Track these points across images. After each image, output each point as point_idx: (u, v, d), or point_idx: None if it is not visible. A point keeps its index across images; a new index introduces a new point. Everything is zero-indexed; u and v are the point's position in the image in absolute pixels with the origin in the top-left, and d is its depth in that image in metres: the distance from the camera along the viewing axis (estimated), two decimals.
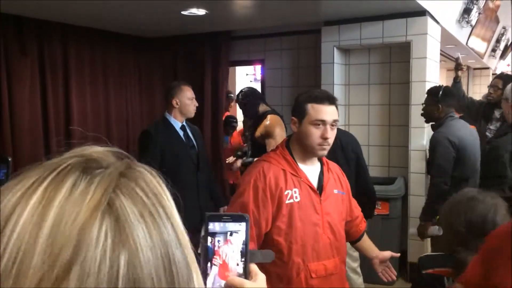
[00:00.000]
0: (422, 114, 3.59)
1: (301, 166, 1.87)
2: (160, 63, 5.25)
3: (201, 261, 0.86)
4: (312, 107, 1.82)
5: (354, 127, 4.46)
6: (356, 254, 3.22)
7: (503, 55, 9.55)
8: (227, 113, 5.67)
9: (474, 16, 5.43)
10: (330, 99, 1.84)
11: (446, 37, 5.03)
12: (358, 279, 3.19)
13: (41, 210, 0.35)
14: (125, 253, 0.36)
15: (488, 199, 1.65)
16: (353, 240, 2.13)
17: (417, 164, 4.07)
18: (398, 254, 2.10)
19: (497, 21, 7.23)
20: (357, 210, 2.11)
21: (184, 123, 3.34)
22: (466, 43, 6.04)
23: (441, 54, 5.21)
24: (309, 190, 1.84)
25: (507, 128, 2.84)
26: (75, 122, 4.35)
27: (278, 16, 4.18)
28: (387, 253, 2.03)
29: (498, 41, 8.21)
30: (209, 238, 0.88)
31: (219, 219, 0.89)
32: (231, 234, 0.88)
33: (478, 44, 6.94)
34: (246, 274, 0.89)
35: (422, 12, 3.95)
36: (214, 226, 0.89)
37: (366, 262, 3.49)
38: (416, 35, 3.98)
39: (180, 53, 5.19)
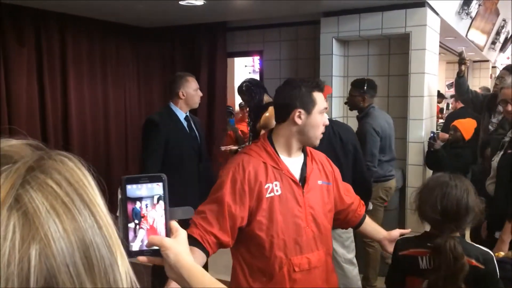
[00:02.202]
0: (346, 103, 3.87)
1: (283, 158, 1.82)
2: (158, 53, 5.24)
3: (120, 224, 0.89)
4: (318, 95, 1.81)
5: (352, 118, 4.45)
6: (352, 245, 3.23)
7: (503, 48, 9.53)
8: None
9: (474, 8, 5.41)
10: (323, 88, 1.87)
11: (446, 29, 5.02)
12: (354, 270, 3.20)
13: None
14: (36, 245, 0.36)
15: (459, 183, 1.73)
16: (354, 226, 2.08)
17: (415, 156, 4.06)
18: (409, 230, 2.03)
19: (497, 14, 7.20)
20: (349, 198, 2.03)
21: (188, 114, 3.35)
22: (466, 35, 6.02)
23: (440, 46, 5.19)
24: (291, 183, 1.79)
25: None
26: (73, 112, 4.34)
27: (277, 7, 4.16)
28: (396, 232, 1.98)
29: (498, 33, 8.18)
30: (137, 202, 0.92)
31: (136, 181, 0.92)
32: (158, 200, 0.92)
33: (477, 37, 6.92)
34: (168, 231, 0.95)
35: (422, 3, 3.93)
36: (137, 190, 0.92)
37: (360, 253, 3.53)
38: (415, 26, 3.96)
39: (178, 44, 5.17)
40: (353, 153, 2.91)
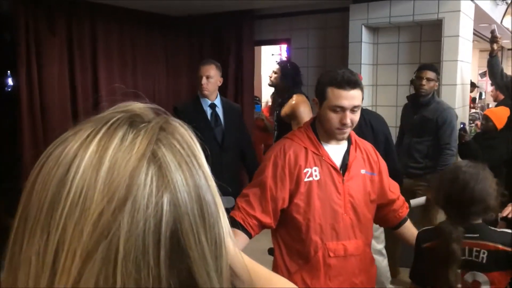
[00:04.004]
0: (422, 88, 3.51)
1: (325, 145, 1.83)
2: (186, 42, 5.26)
3: None
4: (331, 91, 1.75)
5: (381, 107, 4.38)
6: (382, 235, 3.19)
7: None
8: None
9: None
10: (352, 84, 1.73)
11: (480, 16, 4.85)
12: (383, 261, 3.16)
13: (98, 157, 0.42)
14: (167, 194, 0.42)
15: (471, 169, 1.68)
16: (392, 226, 2.04)
17: None
18: None
19: None
20: (393, 194, 1.98)
21: (217, 102, 3.32)
22: (501, 22, 5.81)
23: (473, 33, 5.03)
24: (331, 169, 1.80)
25: None
26: (103, 100, 4.39)
27: None
28: None
29: None
30: None
31: None
32: None
33: None
34: None
35: None
36: None
37: (390, 245, 3.47)
38: (449, 12, 3.85)
39: (206, 32, 5.17)
40: (384, 143, 2.85)
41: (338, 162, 1.83)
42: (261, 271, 0.93)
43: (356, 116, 1.79)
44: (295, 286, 0.92)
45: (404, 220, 2.01)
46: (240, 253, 0.98)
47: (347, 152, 1.86)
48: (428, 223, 3.32)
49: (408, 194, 3.58)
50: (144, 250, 0.40)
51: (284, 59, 3.93)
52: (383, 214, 1.99)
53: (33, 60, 3.87)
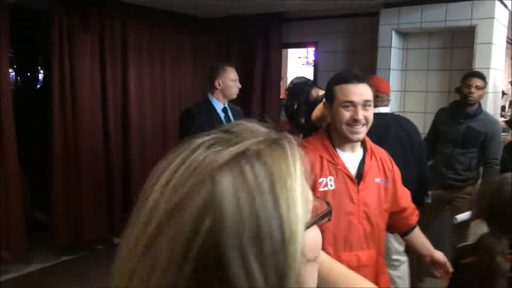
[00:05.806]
0: (470, 97, 3.34)
1: (340, 152, 1.77)
2: (214, 44, 5.29)
3: None
4: (339, 88, 1.71)
5: (410, 114, 4.32)
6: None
7: None
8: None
9: None
10: (358, 77, 1.70)
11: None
12: (404, 263, 3.13)
13: None
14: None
15: None
16: (400, 233, 2.01)
17: None
18: (450, 270, 1.83)
19: None
20: (405, 202, 1.94)
21: (226, 105, 3.34)
22: None
23: (506, 41, 4.93)
24: (346, 178, 1.74)
25: None
26: (132, 98, 4.47)
27: None
28: (441, 257, 1.86)
29: None
30: None
31: None
32: None
33: None
34: None
35: None
36: None
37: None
38: (482, 19, 3.78)
39: (234, 34, 5.20)
40: (418, 150, 2.81)
41: (353, 170, 1.77)
42: (340, 269, 0.88)
43: (369, 113, 1.72)
44: (374, 286, 0.87)
45: (413, 228, 1.98)
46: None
47: (363, 161, 1.80)
48: (462, 236, 3.28)
49: (445, 204, 3.52)
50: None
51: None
52: (393, 221, 1.94)
53: (66, 57, 3.95)
